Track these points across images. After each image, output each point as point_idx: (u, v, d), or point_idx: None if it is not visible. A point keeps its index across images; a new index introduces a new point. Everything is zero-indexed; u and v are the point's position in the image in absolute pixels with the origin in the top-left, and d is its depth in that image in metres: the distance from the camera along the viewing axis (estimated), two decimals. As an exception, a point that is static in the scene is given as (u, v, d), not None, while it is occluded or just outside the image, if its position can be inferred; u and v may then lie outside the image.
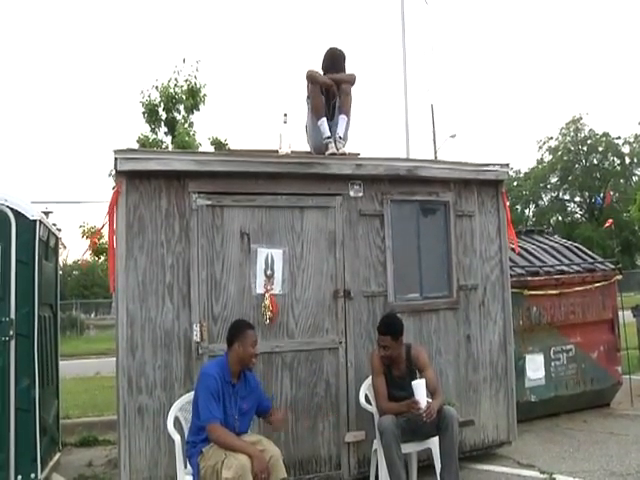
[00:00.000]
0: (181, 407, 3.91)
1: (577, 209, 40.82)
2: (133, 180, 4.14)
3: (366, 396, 4.42)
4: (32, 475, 4.26)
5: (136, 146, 9.07)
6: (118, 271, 4.06)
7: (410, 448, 4.22)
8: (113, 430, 5.22)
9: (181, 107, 9.77)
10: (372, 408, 4.33)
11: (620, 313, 6.85)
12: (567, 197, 40.39)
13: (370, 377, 4.38)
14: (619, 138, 38.17)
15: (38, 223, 4.46)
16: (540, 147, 40.06)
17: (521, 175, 40.05)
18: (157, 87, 9.63)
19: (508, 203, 5.47)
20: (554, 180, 39.67)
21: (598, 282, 6.63)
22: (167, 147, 9.65)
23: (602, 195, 33.93)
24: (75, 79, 67.93)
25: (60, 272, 5.97)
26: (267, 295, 4.34)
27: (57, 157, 66.30)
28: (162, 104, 9.66)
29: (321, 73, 5.08)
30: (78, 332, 23.90)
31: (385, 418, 4.06)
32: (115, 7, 66.18)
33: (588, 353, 6.52)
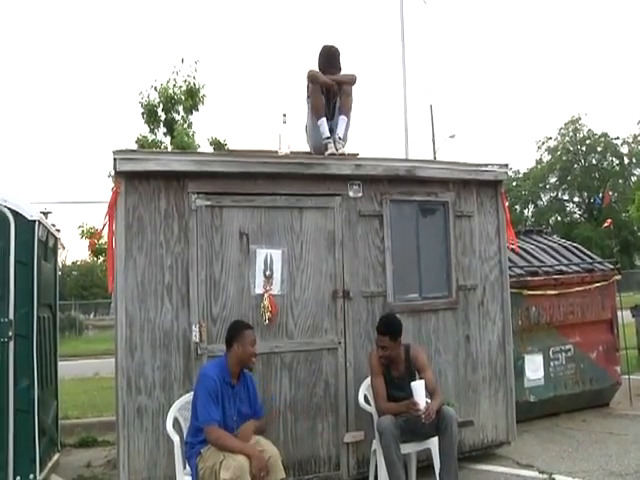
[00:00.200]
0: (180, 408, 3.91)
1: (576, 209, 40.85)
2: (132, 181, 4.14)
3: (365, 396, 4.42)
4: (31, 476, 4.26)
5: (135, 147, 9.05)
6: (117, 272, 4.06)
7: (409, 448, 4.22)
8: (112, 431, 5.21)
9: (180, 108, 9.74)
10: (371, 408, 4.33)
11: (619, 313, 6.86)
12: (566, 197, 40.43)
13: (369, 377, 4.38)
14: (618, 138, 38.23)
15: (37, 223, 4.46)
16: (539, 147, 40.12)
17: (520, 175, 40.08)
18: (156, 88, 9.60)
19: (507, 203, 5.48)
20: (553, 180, 39.71)
21: (597, 282, 6.63)
22: (166, 148, 9.62)
23: (601, 195, 33.95)
24: (74, 80, 67.96)
25: (59, 272, 5.97)
26: (266, 295, 4.34)
27: (56, 157, 66.33)
28: (161, 105, 9.63)
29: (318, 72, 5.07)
30: (77, 333, 23.89)
31: (384, 418, 4.06)
32: (114, 8, 66.16)
33: (587, 353, 6.53)
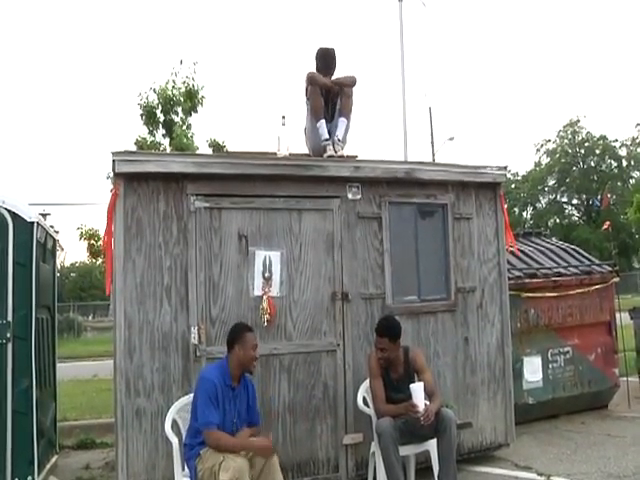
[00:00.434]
0: (179, 410, 3.90)
1: (574, 211, 40.91)
2: (131, 182, 4.14)
3: (364, 398, 4.42)
4: (29, 478, 4.24)
5: (134, 148, 9.06)
6: (116, 273, 4.06)
7: (408, 450, 4.21)
8: (111, 433, 5.21)
9: (179, 109, 9.76)
10: (370, 410, 4.33)
11: (617, 315, 6.87)
12: (565, 199, 40.49)
13: (368, 379, 4.38)
14: (616, 141, 38.32)
15: (36, 225, 4.45)
16: (538, 150, 40.17)
17: (519, 177, 40.13)
18: (155, 89, 9.62)
19: (506, 205, 5.49)
20: (552, 182, 39.77)
21: (596, 284, 6.64)
22: (165, 149, 9.63)
23: (599, 198, 34.03)
24: (73, 81, 67.92)
25: (58, 274, 5.96)
26: (265, 297, 4.34)
27: (55, 159, 66.31)
28: (160, 106, 9.65)
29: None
30: (76, 334, 23.83)
31: (383, 420, 4.05)
32: (113, 10, 66.21)
33: (585, 355, 6.53)
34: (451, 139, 25.17)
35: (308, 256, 4.53)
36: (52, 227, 5.51)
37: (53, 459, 5.15)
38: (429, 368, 4.44)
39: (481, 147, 52.69)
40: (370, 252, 4.73)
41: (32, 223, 4.42)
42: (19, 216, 4.34)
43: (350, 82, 5.12)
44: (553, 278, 6.44)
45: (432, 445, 4.16)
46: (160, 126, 9.80)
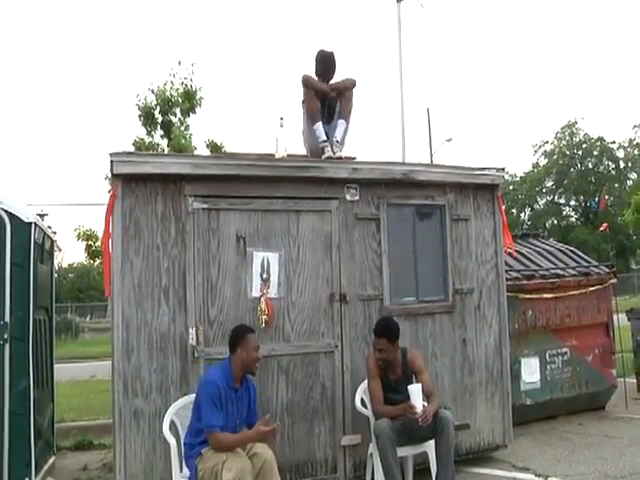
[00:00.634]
0: (177, 411, 3.90)
1: (572, 213, 40.99)
2: (129, 183, 4.14)
3: (362, 400, 4.42)
4: (26, 479, 4.23)
5: (132, 149, 9.04)
6: (114, 274, 4.05)
7: (406, 451, 4.22)
8: (108, 434, 5.20)
9: (177, 110, 9.75)
10: (368, 412, 4.33)
11: (615, 316, 6.88)
12: (562, 201, 40.57)
13: (366, 380, 4.38)
14: (614, 142, 38.40)
15: (33, 226, 4.44)
16: (535, 151, 40.25)
17: (517, 179, 40.21)
18: (153, 90, 9.61)
19: (504, 207, 5.49)
20: (549, 184, 39.85)
21: (593, 285, 6.65)
22: (163, 150, 9.61)
23: (597, 199, 34.10)
24: (71, 82, 67.88)
25: (55, 275, 5.95)
26: (263, 299, 4.34)
27: (53, 160, 66.20)
28: (158, 107, 9.63)
29: (315, 78, 5.09)
30: (73, 335, 23.82)
31: (381, 421, 4.06)
32: (111, 11, 66.18)
33: (583, 356, 6.54)
34: (449, 140, 25.21)
35: (306, 257, 4.53)
36: (50, 228, 5.51)
37: (50, 460, 5.14)
38: (427, 369, 4.44)
39: (479, 148, 52.84)
40: (368, 253, 4.73)
41: (30, 224, 4.41)
42: (16, 217, 4.33)
43: (350, 85, 5.13)
44: (551, 279, 6.45)
45: (430, 446, 4.16)
46: (158, 127, 9.79)
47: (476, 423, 4.99)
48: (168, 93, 9.58)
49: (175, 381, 4.12)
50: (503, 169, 5.33)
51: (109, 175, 5.68)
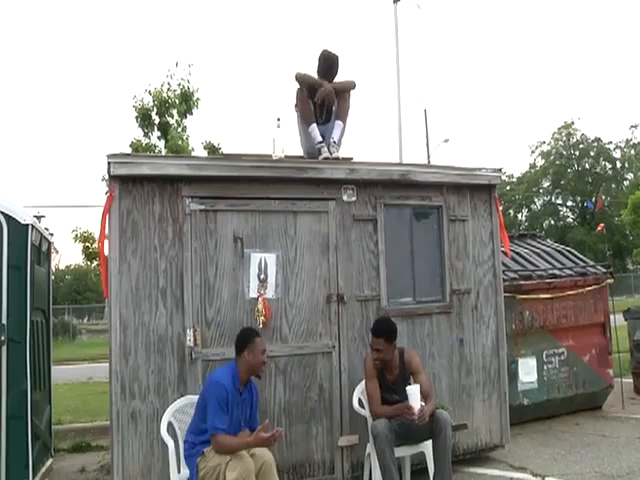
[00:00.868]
0: (175, 412, 3.90)
1: (569, 213, 41.08)
2: (126, 185, 4.14)
3: (360, 400, 4.43)
4: (24, 481, 4.23)
5: (129, 151, 9.04)
6: (111, 276, 4.05)
7: (403, 452, 4.22)
8: (106, 436, 5.19)
9: (174, 111, 9.75)
10: (365, 412, 4.33)
11: (612, 316, 6.90)
12: (559, 201, 40.68)
13: (363, 381, 4.39)
14: (610, 143, 38.55)
15: (30, 228, 4.44)
16: (532, 152, 40.40)
17: (514, 179, 40.30)
18: (150, 91, 9.61)
19: (501, 207, 5.51)
20: (546, 184, 39.95)
21: (590, 286, 6.67)
22: (160, 152, 9.62)
23: (594, 199, 34.16)
24: (69, 84, 67.76)
25: (52, 277, 5.95)
26: (260, 299, 4.34)
27: (50, 161, 66.09)
28: (155, 108, 9.64)
29: (316, 77, 5.08)
30: (71, 337, 23.79)
31: (378, 422, 4.06)
32: (109, 12, 66.11)
33: (580, 356, 6.56)
34: (446, 141, 25.24)
35: (303, 258, 4.54)
36: (47, 229, 5.50)
37: (48, 462, 5.14)
38: (424, 370, 4.45)
39: (476, 149, 52.93)
40: (365, 254, 4.74)
41: (27, 226, 4.41)
42: (13, 219, 4.33)
43: (349, 86, 5.13)
44: (548, 280, 6.47)
45: (427, 446, 4.16)
46: (155, 128, 9.80)
47: (473, 423, 5.00)
48: (165, 94, 9.59)
49: (172, 382, 4.12)
50: (500, 169, 5.35)
51: (106, 177, 5.68)
